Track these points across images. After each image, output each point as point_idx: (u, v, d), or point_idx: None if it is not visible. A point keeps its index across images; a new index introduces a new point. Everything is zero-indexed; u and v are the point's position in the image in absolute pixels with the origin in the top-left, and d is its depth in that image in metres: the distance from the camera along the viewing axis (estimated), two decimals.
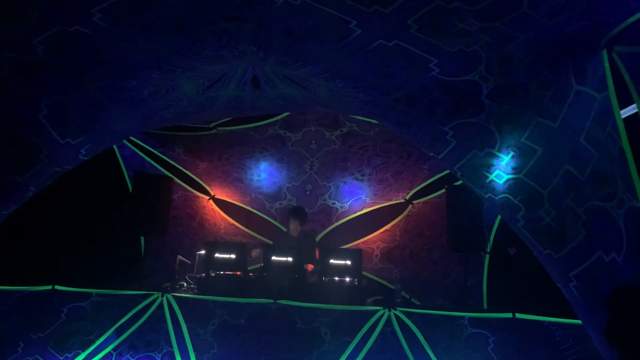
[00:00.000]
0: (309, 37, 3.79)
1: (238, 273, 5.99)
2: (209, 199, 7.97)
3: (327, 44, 3.86)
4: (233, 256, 6.00)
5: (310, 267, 6.34)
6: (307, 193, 7.85)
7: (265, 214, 7.94)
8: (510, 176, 4.30)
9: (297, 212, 6.81)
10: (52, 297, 5.63)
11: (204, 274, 6.04)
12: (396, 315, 5.19)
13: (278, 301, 5.40)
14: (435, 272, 7.08)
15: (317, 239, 7.54)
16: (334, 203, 7.76)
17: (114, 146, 7.29)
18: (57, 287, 5.65)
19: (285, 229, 7.27)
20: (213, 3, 3.39)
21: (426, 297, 6.48)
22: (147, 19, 3.56)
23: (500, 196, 4.41)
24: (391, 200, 7.70)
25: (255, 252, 6.47)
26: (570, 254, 4.08)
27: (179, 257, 6.56)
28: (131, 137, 7.28)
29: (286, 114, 7.52)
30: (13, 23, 3.60)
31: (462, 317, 5.08)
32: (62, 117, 4.54)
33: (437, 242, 7.11)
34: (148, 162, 7.67)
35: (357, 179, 7.76)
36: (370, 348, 5.17)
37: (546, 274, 4.38)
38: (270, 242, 7.33)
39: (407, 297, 6.53)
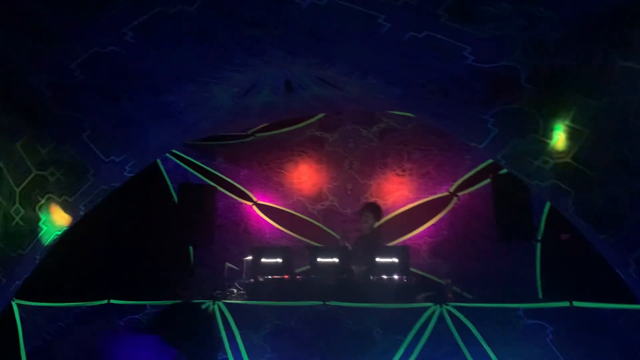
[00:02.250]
0: (337, 37, 3.75)
1: (285, 277, 6.02)
2: (252, 205, 8.05)
3: (356, 42, 3.82)
4: (280, 260, 6.04)
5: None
6: (349, 192, 7.81)
7: (308, 216, 7.95)
8: (557, 161, 4.14)
9: (373, 208, 6.75)
10: (108, 310, 5.79)
11: (252, 280, 6.09)
12: (448, 311, 5.08)
13: (327, 302, 5.38)
14: (486, 264, 6.90)
15: None
16: (376, 201, 7.69)
17: (157, 160, 7.45)
18: (112, 301, 5.81)
19: (329, 230, 7.29)
20: (235, 11, 3.41)
21: (478, 290, 6.32)
22: (175, 33, 3.61)
23: (548, 182, 4.25)
24: (435, 194, 7.56)
25: None
26: (628, 237, 3.89)
27: (227, 264, 6.64)
28: (173, 150, 7.43)
29: (321, 115, 7.51)
30: (52, 49, 3.72)
31: (517, 309, 4.93)
32: (104, 135, 4.67)
33: (486, 234, 6.92)
34: (191, 173, 7.82)
35: (398, 174, 7.66)
36: (424, 345, 5.10)
37: (603, 259, 4.19)
38: (318, 245, 7.36)
39: (459, 291, 6.39)
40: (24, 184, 4.60)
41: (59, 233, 5.11)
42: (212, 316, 4.69)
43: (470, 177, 7.36)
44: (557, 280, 6.19)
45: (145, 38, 3.61)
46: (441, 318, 5.10)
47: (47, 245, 5.06)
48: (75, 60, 3.83)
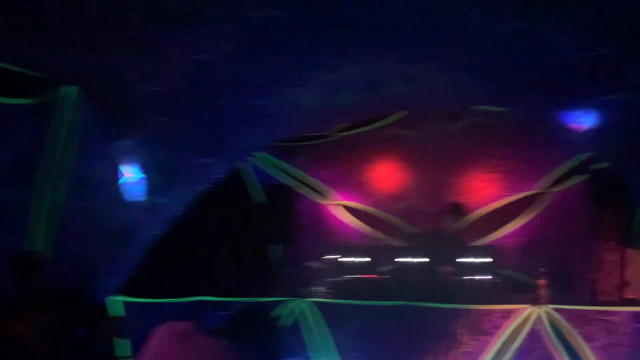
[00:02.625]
0: (426, 31, 3.68)
1: (370, 276, 6.01)
2: (335, 204, 8.09)
3: (446, 35, 3.73)
4: (364, 259, 6.05)
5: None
6: (432, 190, 7.63)
7: (392, 215, 7.87)
8: None
9: (455, 206, 6.59)
10: (199, 307, 6.01)
11: (338, 279, 6.13)
12: (546, 312, 4.85)
13: (414, 303, 5.31)
14: (585, 265, 6.50)
15: None
16: (460, 199, 7.46)
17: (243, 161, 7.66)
18: (202, 297, 6.02)
19: (412, 229, 7.17)
20: (325, 13, 3.43)
21: (576, 291, 5.98)
22: (264, 39, 3.70)
23: None
24: (524, 190, 7.23)
25: None
26: None
27: (313, 262, 6.72)
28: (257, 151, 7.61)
29: (403, 112, 7.41)
30: (150, 60, 3.93)
31: (622, 312, 4.62)
32: (196, 139, 4.88)
33: (583, 232, 6.52)
34: (275, 173, 7.97)
35: (484, 171, 7.40)
36: (517, 348, 4.91)
37: None
38: (402, 244, 7.25)
39: (554, 293, 6.09)
40: (124, 185, 4.90)
41: (157, 232, 5.41)
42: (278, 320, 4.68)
43: (565, 173, 6.96)
44: None
45: (238, 45, 3.72)
46: (537, 320, 4.89)
47: (146, 244, 5.37)
48: (171, 69, 4.02)
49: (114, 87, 4.32)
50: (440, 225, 6.76)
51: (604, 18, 3.44)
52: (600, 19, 3.45)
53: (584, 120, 4.17)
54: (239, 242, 7.23)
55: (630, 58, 3.65)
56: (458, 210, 6.52)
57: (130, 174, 4.86)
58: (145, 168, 4.89)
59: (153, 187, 4.97)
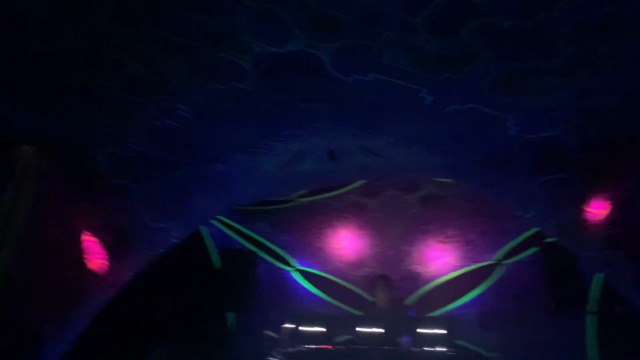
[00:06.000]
0: (381, 109, 3.85)
1: (326, 346, 5.89)
2: (293, 271, 8.02)
3: (399, 113, 3.91)
4: (320, 329, 5.93)
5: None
6: (390, 259, 7.68)
7: (349, 283, 7.83)
8: (609, 231, 4.02)
9: (385, 280, 6.61)
10: None
11: (292, 349, 5.97)
12: None
13: None
14: (538, 337, 6.55)
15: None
16: (417, 268, 7.52)
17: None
18: None
19: (371, 298, 7.11)
20: (287, 88, 3.56)
21: None
22: (227, 108, 3.79)
23: (600, 253, 4.12)
24: (480, 261, 7.36)
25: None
26: None
27: (267, 331, 6.55)
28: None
29: (363, 180, 7.56)
30: (112, 124, 3.95)
31: None
32: (152, 203, 4.83)
33: (536, 304, 6.61)
34: (233, 237, 7.89)
35: (440, 241, 7.52)
36: None
37: None
38: (358, 312, 7.18)
39: None
40: (77, 249, 4.77)
41: (107, 298, 5.22)
42: None
43: (517, 245, 7.13)
44: (615, 355, 5.84)
45: (200, 113, 3.80)
46: None
47: (95, 310, 5.15)
48: (132, 133, 4.04)
49: (75, 149, 4.29)
50: (397, 294, 6.76)
51: (548, 104, 3.68)
52: (545, 105, 3.69)
53: (530, 196, 4.34)
54: (194, 308, 7.03)
55: (571, 142, 3.89)
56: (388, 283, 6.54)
57: (85, 238, 4.75)
58: (98, 230, 4.79)
59: (108, 250, 4.85)
